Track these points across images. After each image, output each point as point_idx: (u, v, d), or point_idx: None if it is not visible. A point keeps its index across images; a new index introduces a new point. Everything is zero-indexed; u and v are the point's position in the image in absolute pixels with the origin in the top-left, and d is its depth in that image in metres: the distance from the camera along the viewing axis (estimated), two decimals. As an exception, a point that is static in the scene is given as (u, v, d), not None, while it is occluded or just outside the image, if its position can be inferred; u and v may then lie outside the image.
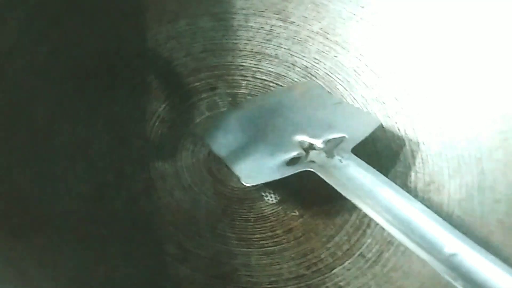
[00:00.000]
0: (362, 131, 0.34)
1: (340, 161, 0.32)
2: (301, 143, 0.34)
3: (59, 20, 0.36)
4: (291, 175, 0.33)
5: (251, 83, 0.39)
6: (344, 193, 0.30)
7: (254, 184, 0.33)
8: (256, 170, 0.33)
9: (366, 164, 0.31)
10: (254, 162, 0.33)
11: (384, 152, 0.36)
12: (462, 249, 0.26)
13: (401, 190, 0.29)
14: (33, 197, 0.31)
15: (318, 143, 0.34)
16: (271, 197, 0.34)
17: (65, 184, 0.33)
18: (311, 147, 0.34)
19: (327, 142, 0.34)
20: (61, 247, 0.30)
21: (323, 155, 0.33)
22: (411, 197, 0.29)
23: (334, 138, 0.34)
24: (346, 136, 0.34)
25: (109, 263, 0.30)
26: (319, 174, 0.31)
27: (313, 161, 0.33)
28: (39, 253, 0.29)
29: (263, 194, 0.34)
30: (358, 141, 0.33)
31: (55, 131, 0.34)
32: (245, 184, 0.32)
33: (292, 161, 0.33)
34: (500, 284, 0.25)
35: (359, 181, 0.30)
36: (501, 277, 0.25)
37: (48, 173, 0.32)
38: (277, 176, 0.32)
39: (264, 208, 0.34)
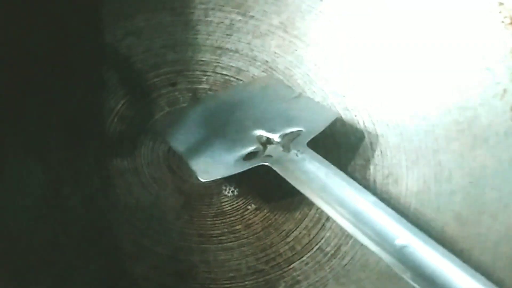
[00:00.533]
0: (319, 125, 0.34)
1: (296, 155, 0.32)
2: (258, 138, 0.34)
3: (9, 13, 0.35)
4: (251, 170, 0.32)
5: (212, 78, 0.39)
6: (298, 187, 0.30)
7: (210, 179, 0.33)
8: (212, 165, 0.33)
9: (320, 158, 0.31)
10: (211, 157, 0.33)
11: (343, 145, 0.36)
12: (412, 241, 0.26)
13: (354, 182, 0.29)
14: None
15: (275, 137, 0.34)
16: (231, 191, 0.34)
17: (16, 184, 0.32)
18: (269, 141, 0.34)
19: (284, 136, 0.33)
20: (12, 247, 0.29)
21: (280, 149, 0.33)
22: (363, 189, 0.29)
23: (291, 132, 0.33)
24: (303, 129, 0.33)
25: (62, 263, 0.30)
26: (274, 168, 0.31)
27: (270, 156, 0.33)
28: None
29: (223, 187, 0.34)
30: (314, 135, 0.33)
31: (4, 130, 0.33)
32: (201, 179, 0.32)
33: (250, 156, 0.33)
34: (449, 276, 0.25)
35: (313, 175, 0.30)
36: (451, 269, 0.25)
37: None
38: (233, 171, 0.32)
39: (223, 204, 0.34)
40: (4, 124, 0.34)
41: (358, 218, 0.28)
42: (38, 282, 0.30)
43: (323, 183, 0.30)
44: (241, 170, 0.32)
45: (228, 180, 0.34)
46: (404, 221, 0.27)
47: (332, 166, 0.30)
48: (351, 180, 0.29)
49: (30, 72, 0.35)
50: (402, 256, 0.26)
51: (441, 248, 0.26)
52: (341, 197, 0.29)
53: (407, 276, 0.25)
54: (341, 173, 0.30)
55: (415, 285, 0.26)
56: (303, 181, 0.30)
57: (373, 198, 0.28)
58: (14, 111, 0.34)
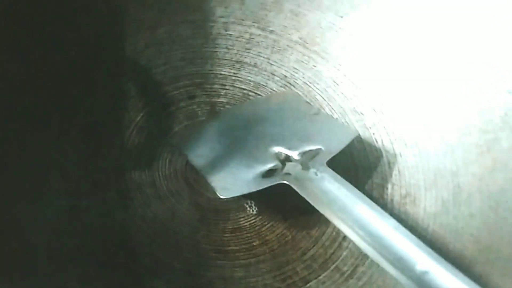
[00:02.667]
0: (338, 143, 0.34)
1: (316, 173, 0.32)
2: (277, 155, 0.34)
3: (32, 26, 0.35)
4: (269, 186, 0.32)
5: (230, 92, 0.39)
6: (317, 207, 0.30)
7: (230, 196, 0.33)
8: (231, 182, 0.33)
9: (340, 178, 0.31)
10: (230, 173, 0.33)
11: (361, 163, 0.36)
12: (433, 267, 0.26)
13: (374, 205, 0.29)
14: (3, 210, 0.30)
15: (294, 155, 0.34)
16: (249, 207, 0.34)
17: (36, 195, 0.32)
18: (288, 159, 0.34)
19: (303, 154, 0.33)
20: (29, 260, 0.29)
21: (299, 167, 0.33)
22: (384, 212, 0.29)
23: (310, 150, 0.33)
24: (322, 148, 0.33)
25: (81, 276, 0.30)
26: (293, 187, 0.31)
27: (289, 173, 0.33)
28: (8, 270, 0.28)
29: (242, 203, 0.34)
30: (334, 154, 0.33)
31: (26, 142, 0.33)
32: (220, 196, 0.32)
33: (268, 173, 0.33)
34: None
35: (332, 195, 0.30)
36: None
37: (19, 184, 0.32)
38: (252, 188, 0.32)
39: (240, 219, 0.34)
40: (25, 134, 0.34)
41: (378, 242, 0.28)
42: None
43: (343, 204, 0.30)
44: (260, 187, 0.32)
45: (246, 195, 0.34)
46: (425, 246, 0.27)
47: (353, 187, 0.30)
48: (372, 203, 0.29)
49: (52, 83, 0.36)
50: (422, 282, 0.26)
51: (462, 276, 0.26)
52: (361, 220, 0.29)
53: (428, 303, 0.25)
54: (362, 194, 0.30)
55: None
56: (322, 201, 0.30)
57: (394, 222, 0.28)
58: (35, 122, 0.34)
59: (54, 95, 0.35)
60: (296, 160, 0.33)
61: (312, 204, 0.30)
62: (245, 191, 0.32)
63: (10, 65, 0.34)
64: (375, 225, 0.28)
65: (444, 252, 0.30)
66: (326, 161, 0.32)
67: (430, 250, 0.27)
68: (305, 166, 0.32)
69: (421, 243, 0.27)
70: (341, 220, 0.29)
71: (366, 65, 0.38)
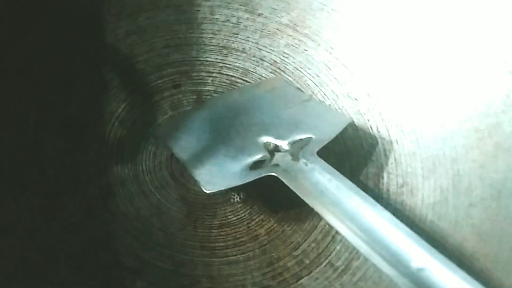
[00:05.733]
0: (330, 131, 0.32)
1: (306, 164, 0.30)
2: (266, 145, 0.32)
3: (7, 11, 0.33)
4: (257, 178, 0.31)
5: (217, 79, 0.37)
6: (307, 200, 0.28)
7: (215, 190, 0.31)
8: (217, 175, 0.31)
9: (332, 168, 0.29)
10: (215, 166, 0.32)
11: (355, 151, 0.34)
12: (430, 263, 0.24)
13: (368, 197, 0.27)
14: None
15: (284, 144, 0.32)
16: (236, 200, 0.33)
17: (11, 195, 0.30)
18: (276, 149, 0.32)
19: (293, 143, 0.32)
20: (4, 262, 0.28)
21: (289, 157, 0.31)
22: (378, 205, 0.27)
23: (300, 139, 0.32)
24: (313, 136, 0.32)
25: (58, 278, 0.28)
26: (282, 179, 0.30)
27: (277, 165, 0.31)
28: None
29: (229, 197, 0.32)
30: (325, 142, 0.31)
31: (0, 135, 0.32)
32: (205, 191, 0.30)
33: (256, 165, 0.32)
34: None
35: (323, 187, 0.28)
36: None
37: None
38: (238, 182, 0.30)
39: (228, 214, 0.32)
40: (-1, 129, 0.32)
41: (371, 236, 0.26)
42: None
43: (334, 197, 0.28)
44: (247, 180, 0.30)
45: (234, 189, 0.32)
46: (421, 240, 0.25)
47: (344, 178, 0.28)
48: (365, 195, 0.27)
49: (28, 72, 0.34)
50: (418, 280, 0.24)
51: (462, 272, 0.24)
52: (353, 213, 0.27)
53: (424, 302, 0.23)
54: (354, 186, 0.28)
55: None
56: (312, 193, 0.28)
57: (388, 215, 0.26)
58: (10, 114, 0.33)
59: (30, 86, 0.34)
60: (285, 150, 0.31)
61: (301, 197, 0.29)
62: (232, 184, 0.31)
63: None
64: (368, 219, 0.27)
65: (443, 245, 0.29)
66: (316, 150, 0.30)
67: (427, 244, 0.25)
68: (295, 157, 0.31)
69: (418, 237, 0.25)
70: (331, 214, 0.27)
71: (360, 48, 0.36)
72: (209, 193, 0.31)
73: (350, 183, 0.28)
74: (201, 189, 0.31)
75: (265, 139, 0.32)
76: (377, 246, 0.26)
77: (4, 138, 0.32)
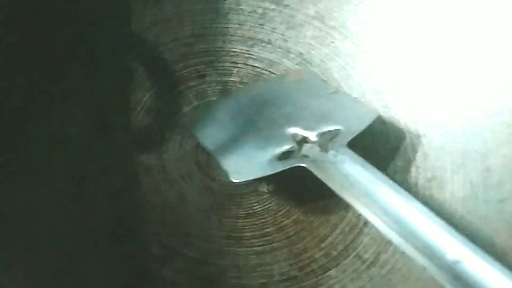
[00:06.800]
0: (359, 124, 0.31)
1: (335, 155, 0.30)
2: (293, 136, 0.32)
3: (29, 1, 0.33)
4: (285, 169, 0.30)
5: (243, 70, 0.36)
6: (337, 191, 0.28)
7: (243, 180, 0.31)
8: (245, 165, 0.31)
9: (362, 160, 0.29)
10: (243, 156, 0.31)
11: (382, 145, 0.33)
12: (466, 255, 0.24)
13: (400, 189, 0.27)
14: (3, 194, 0.29)
15: (312, 136, 0.32)
16: (264, 191, 0.32)
17: (40, 180, 0.30)
18: (304, 140, 0.32)
19: (321, 135, 0.31)
20: (33, 248, 0.28)
21: (317, 149, 0.31)
22: (411, 196, 0.27)
23: (329, 131, 0.31)
24: (342, 128, 0.31)
25: (84, 265, 0.28)
26: (311, 170, 0.29)
27: (306, 156, 0.31)
28: (7, 258, 0.26)
29: (256, 187, 0.32)
30: (354, 134, 0.31)
31: (27, 123, 0.31)
32: (233, 180, 0.30)
33: (284, 155, 0.31)
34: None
35: (354, 178, 0.28)
36: None
37: (20, 168, 0.30)
38: (267, 172, 0.30)
39: (254, 204, 0.32)
40: (25, 116, 0.32)
41: (404, 228, 0.26)
42: (57, 285, 0.28)
43: (365, 188, 0.27)
44: (276, 171, 0.30)
45: (260, 179, 0.32)
46: (456, 233, 0.25)
47: (375, 170, 0.28)
48: (397, 186, 0.27)
49: (54, 61, 0.34)
50: (454, 272, 0.24)
51: (500, 266, 0.23)
52: (385, 204, 0.27)
53: (460, 295, 0.23)
54: (386, 177, 0.28)
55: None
56: (342, 184, 0.28)
57: (421, 206, 0.26)
58: (35, 102, 0.33)
59: (55, 74, 0.34)
60: (313, 142, 0.31)
61: (332, 188, 0.28)
62: (259, 174, 0.31)
63: (8, 42, 0.32)
64: (401, 210, 0.26)
65: (473, 239, 0.28)
66: (346, 142, 0.30)
67: (462, 237, 0.25)
68: (324, 148, 0.30)
69: (453, 230, 0.25)
70: (363, 205, 0.27)
71: (386, 40, 0.36)
72: (236, 183, 0.31)
73: (381, 174, 0.28)
74: (228, 178, 0.31)
75: (293, 130, 0.32)
76: (411, 238, 0.25)
77: (30, 126, 0.32)
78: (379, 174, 0.28)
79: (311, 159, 0.30)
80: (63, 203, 0.30)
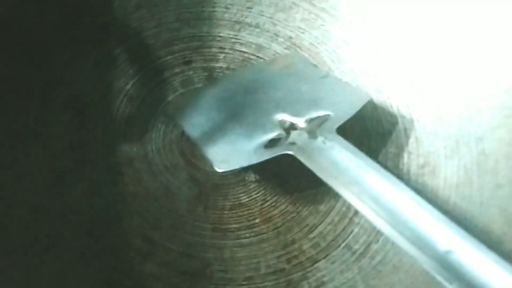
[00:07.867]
0: (349, 108, 0.30)
1: (324, 142, 0.28)
2: (281, 123, 0.31)
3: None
4: (272, 157, 0.29)
5: (230, 55, 0.35)
6: (326, 180, 0.27)
7: (228, 170, 0.29)
8: (230, 154, 0.30)
9: (352, 146, 0.28)
10: (228, 145, 0.30)
11: (374, 130, 0.32)
12: (459, 245, 0.23)
13: (390, 175, 0.26)
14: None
15: (300, 122, 0.30)
16: (250, 180, 0.31)
17: (14, 170, 0.29)
18: (292, 126, 0.30)
19: (310, 121, 0.30)
20: (7, 244, 0.26)
21: (305, 135, 0.29)
22: (402, 184, 0.26)
23: (317, 117, 0.30)
24: (331, 114, 0.30)
25: (63, 261, 0.27)
26: (299, 158, 0.28)
27: (293, 143, 0.29)
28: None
29: (242, 177, 0.31)
30: (344, 120, 0.29)
31: (4, 112, 0.30)
32: (217, 170, 0.29)
33: (271, 143, 0.30)
34: (502, 287, 0.21)
35: (343, 165, 0.27)
36: (504, 278, 0.22)
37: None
38: (253, 160, 0.29)
39: (241, 195, 0.31)
40: (3, 104, 0.31)
41: (394, 217, 0.25)
42: (37, 280, 0.27)
43: (354, 176, 0.26)
44: (262, 159, 0.29)
45: (246, 168, 0.31)
46: (449, 221, 0.24)
47: (365, 157, 0.27)
48: (387, 173, 0.26)
49: (32, 47, 0.32)
50: (446, 262, 0.23)
51: (493, 255, 0.22)
52: (375, 192, 0.25)
53: (453, 286, 0.22)
54: (376, 164, 0.27)
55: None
56: (331, 172, 0.27)
57: (413, 194, 0.25)
58: (14, 89, 0.31)
59: (34, 61, 0.32)
60: (302, 128, 0.30)
61: (320, 176, 0.27)
62: (245, 163, 0.29)
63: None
64: (391, 198, 0.25)
65: (467, 227, 0.27)
66: (335, 128, 0.29)
67: (454, 225, 0.24)
68: (312, 135, 0.29)
69: (445, 218, 0.24)
70: (352, 194, 0.26)
71: (378, 22, 0.34)
72: (222, 172, 0.29)
73: (372, 161, 0.27)
74: (213, 168, 0.30)
75: (281, 116, 0.31)
76: (401, 227, 0.24)
77: (7, 114, 0.30)
78: (369, 161, 0.27)
79: (299, 147, 0.29)
80: (40, 196, 0.29)
